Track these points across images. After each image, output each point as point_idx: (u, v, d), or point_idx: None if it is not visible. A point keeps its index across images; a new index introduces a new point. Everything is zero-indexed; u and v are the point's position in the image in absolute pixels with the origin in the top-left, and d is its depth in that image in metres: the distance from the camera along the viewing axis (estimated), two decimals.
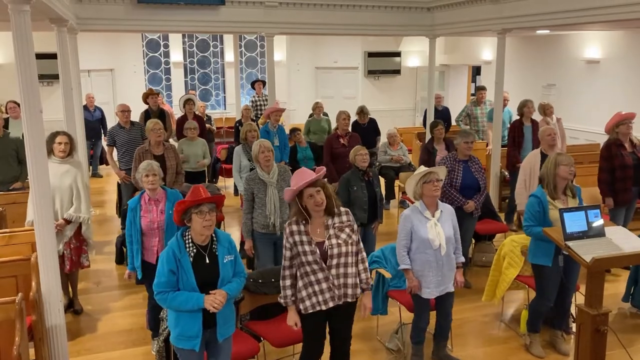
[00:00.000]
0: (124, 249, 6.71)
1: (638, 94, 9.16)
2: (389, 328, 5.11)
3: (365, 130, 9.03)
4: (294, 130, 8.75)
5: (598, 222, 3.90)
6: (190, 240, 3.44)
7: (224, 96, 14.79)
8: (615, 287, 5.96)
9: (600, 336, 3.70)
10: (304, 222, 3.64)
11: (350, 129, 8.10)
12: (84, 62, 10.05)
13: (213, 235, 3.51)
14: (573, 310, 4.95)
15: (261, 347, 4.23)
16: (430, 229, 4.17)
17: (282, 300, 3.73)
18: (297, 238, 3.62)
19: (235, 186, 10.09)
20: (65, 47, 6.54)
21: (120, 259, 6.71)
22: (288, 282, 3.69)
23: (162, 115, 9.01)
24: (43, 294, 4.10)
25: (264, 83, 11.89)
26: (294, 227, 3.64)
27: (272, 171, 5.12)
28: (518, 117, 8.05)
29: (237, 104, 12.76)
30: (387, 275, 4.93)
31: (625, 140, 6.10)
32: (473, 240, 6.91)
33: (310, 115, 10.12)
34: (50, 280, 4.08)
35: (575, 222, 3.82)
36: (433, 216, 4.22)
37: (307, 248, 3.60)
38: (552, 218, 4.39)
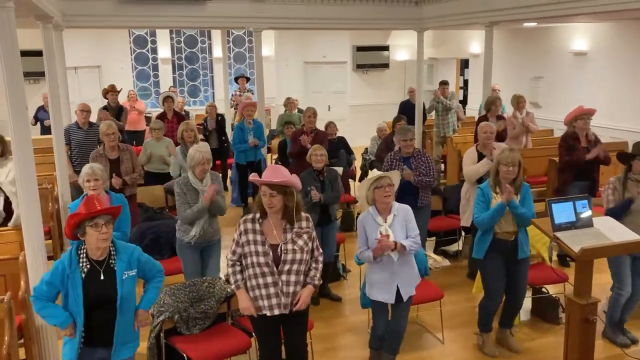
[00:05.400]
0: None
1: (625, 85, 9.23)
2: None
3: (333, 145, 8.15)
4: (288, 122, 8.65)
5: (586, 213, 3.92)
6: (85, 255, 3.19)
7: (213, 92, 14.71)
8: (604, 277, 6.01)
9: (589, 325, 3.72)
10: (260, 219, 3.49)
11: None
12: (71, 58, 9.94)
13: (111, 248, 3.27)
14: (562, 300, 4.99)
15: (253, 342, 4.23)
16: (379, 236, 4.02)
17: (233, 285, 3.57)
18: (250, 237, 3.45)
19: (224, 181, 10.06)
20: (50, 44, 6.46)
21: None
22: (238, 268, 3.55)
23: (120, 111, 8.95)
24: None
25: (247, 79, 11.86)
26: (249, 225, 3.48)
27: (205, 179, 4.78)
28: (484, 113, 8.02)
29: (225, 99, 12.70)
30: None
31: (582, 134, 6.19)
32: (463, 233, 6.95)
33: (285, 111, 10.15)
34: (39, 279, 4.04)
35: (563, 213, 3.84)
36: (385, 221, 4.08)
37: (259, 249, 3.43)
38: None
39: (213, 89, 14.69)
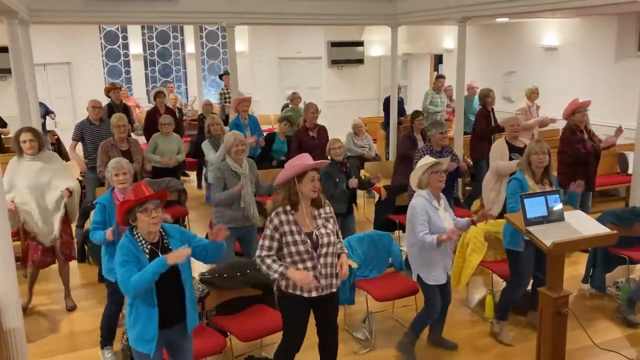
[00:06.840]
0: (86, 247, 6.57)
1: (595, 79, 9.39)
2: (357, 318, 5.13)
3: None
4: (286, 118, 8.61)
5: (558, 207, 3.97)
6: (141, 238, 3.30)
7: (186, 88, 14.57)
8: (575, 269, 6.11)
9: (561, 318, 3.78)
10: (292, 211, 3.57)
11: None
12: (39, 55, 9.71)
13: (161, 230, 3.40)
14: None
15: (228, 342, 4.20)
16: (443, 219, 4.26)
17: (280, 270, 3.49)
18: (286, 228, 3.55)
19: (198, 180, 9.96)
20: (16, 40, 6.28)
21: (82, 257, 6.56)
22: (270, 260, 3.55)
23: (126, 109, 8.85)
24: None
25: None
26: (283, 217, 3.56)
27: (243, 163, 5.12)
28: (481, 106, 8.13)
29: (199, 95, 12.59)
30: (354, 265, 4.94)
31: (582, 127, 6.25)
32: None
33: (287, 105, 10.05)
34: (5, 282, 3.93)
35: (535, 208, 3.89)
36: (439, 205, 4.32)
37: (297, 238, 3.54)
38: None
39: (186, 85, 14.55)
